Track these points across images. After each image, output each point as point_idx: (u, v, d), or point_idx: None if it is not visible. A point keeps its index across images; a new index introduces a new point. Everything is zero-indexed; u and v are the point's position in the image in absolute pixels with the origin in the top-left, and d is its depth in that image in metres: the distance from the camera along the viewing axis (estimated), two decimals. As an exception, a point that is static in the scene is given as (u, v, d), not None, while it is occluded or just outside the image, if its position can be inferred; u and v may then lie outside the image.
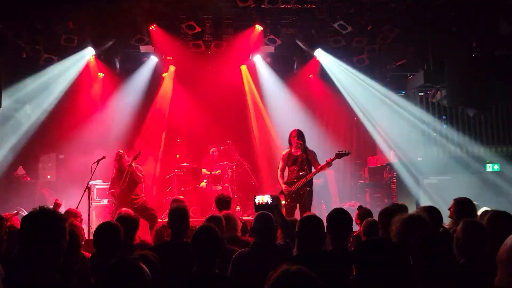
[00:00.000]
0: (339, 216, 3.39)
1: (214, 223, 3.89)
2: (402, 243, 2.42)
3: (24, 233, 2.17)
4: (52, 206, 5.07)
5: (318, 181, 8.69)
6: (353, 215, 4.48)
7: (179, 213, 3.90)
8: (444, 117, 8.66)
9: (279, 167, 7.16)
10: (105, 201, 8.39)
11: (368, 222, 4.02)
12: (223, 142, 9.78)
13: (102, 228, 3.30)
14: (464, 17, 8.08)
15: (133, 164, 7.23)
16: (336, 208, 3.54)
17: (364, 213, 4.72)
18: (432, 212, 3.61)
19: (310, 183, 6.93)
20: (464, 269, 2.90)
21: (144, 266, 1.80)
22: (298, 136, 7.02)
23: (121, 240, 3.20)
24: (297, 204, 6.91)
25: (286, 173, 7.14)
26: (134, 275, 1.75)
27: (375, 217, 4.52)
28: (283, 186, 6.98)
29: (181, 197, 6.96)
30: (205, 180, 9.52)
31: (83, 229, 4.71)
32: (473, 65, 7.78)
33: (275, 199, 4.13)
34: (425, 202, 7.60)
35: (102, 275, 1.76)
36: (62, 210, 5.60)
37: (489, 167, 8.30)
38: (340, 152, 6.78)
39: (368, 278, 1.96)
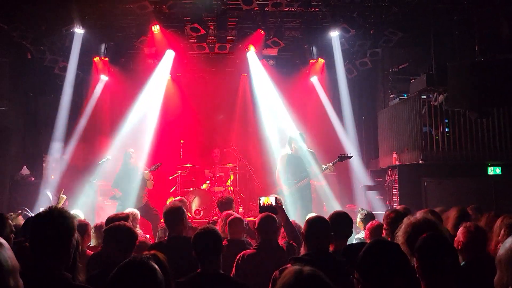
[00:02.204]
0: (340, 218, 3.42)
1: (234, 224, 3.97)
2: (411, 245, 2.44)
3: (35, 233, 2.18)
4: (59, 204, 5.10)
5: (320, 183, 8.71)
6: (355, 218, 4.52)
7: (172, 212, 3.98)
8: (446, 120, 8.66)
9: (278, 168, 7.20)
10: (108, 202, 8.44)
11: (373, 225, 4.05)
12: (226, 144, 9.84)
13: (115, 228, 3.29)
14: (467, 21, 8.12)
15: (149, 172, 7.40)
16: (336, 210, 3.57)
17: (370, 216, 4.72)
18: (432, 214, 3.64)
19: (309, 184, 7.01)
20: (465, 271, 2.94)
21: (156, 265, 1.80)
22: (300, 138, 7.08)
23: (134, 241, 3.21)
24: (297, 204, 6.97)
25: (285, 174, 7.17)
26: (148, 275, 1.75)
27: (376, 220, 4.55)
28: (284, 187, 7.02)
29: (178, 197, 7.01)
30: (207, 181, 9.58)
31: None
32: (475, 69, 7.79)
33: (279, 200, 4.16)
34: (426, 205, 7.62)
35: (115, 275, 1.75)
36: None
37: (491, 171, 8.30)
38: (343, 155, 6.83)
39: (372, 279, 1.99)
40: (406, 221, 2.77)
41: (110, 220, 3.96)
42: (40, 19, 8.07)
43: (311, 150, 7.22)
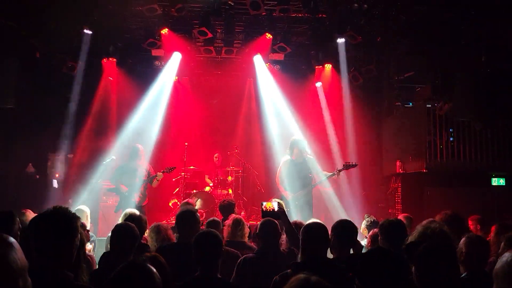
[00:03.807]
0: (344, 226, 3.42)
1: (213, 226, 3.96)
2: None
3: (39, 232, 2.20)
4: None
5: (326, 189, 8.69)
6: (358, 225, 4.53)
7: (187, 216, 3.95)
8: (451, 130, 8.65)
9: (279, 174, 7.20)
10: (111, 201, 8.47)
11: (374, 233, 4.05)
12: (230, 147, 9.87)
13: (121, 228, 3.31)
14: (474, 31, 8.11)
15: (162, 175, 7.56)
16: (341, 219, 3.57)
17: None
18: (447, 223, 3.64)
19: (311, 191, 7.04)
20: (466, 282, 2.94)
21: (153, 268, 1.82)
22: (301, 144, 7.08)
23: (137, 242, 3.24)
24: (299, 210, 6.96)
25: (286, 180, 7.16)
26: (144, 278, 1.76)
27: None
28: (286, 193, 7.01)
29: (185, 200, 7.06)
30: (211, 184, 9.61)
31: (88, 231, 4.80)
32: (481, 79, 7.79)
33: (282, 205, 4.17)
34: (428, 214, 7.59)
35: (112, 277, 1.78)
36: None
37: (495, 182, 8.28)
38: (348, 164, 6.83)
39: (372, 286, 2.00)
40: (419, 228, 2.77)
41: (126, 215, 4.05)
42: (50, 19, 8.13)
43: (312, 157, 7.21)
